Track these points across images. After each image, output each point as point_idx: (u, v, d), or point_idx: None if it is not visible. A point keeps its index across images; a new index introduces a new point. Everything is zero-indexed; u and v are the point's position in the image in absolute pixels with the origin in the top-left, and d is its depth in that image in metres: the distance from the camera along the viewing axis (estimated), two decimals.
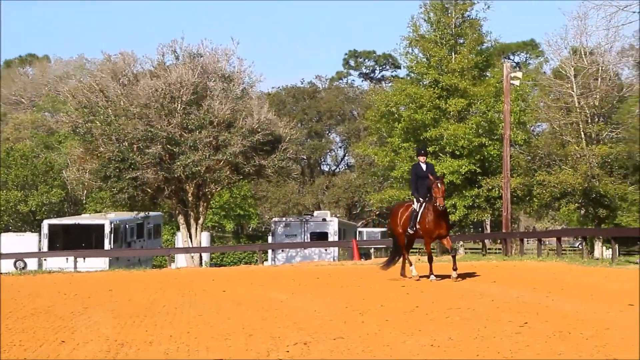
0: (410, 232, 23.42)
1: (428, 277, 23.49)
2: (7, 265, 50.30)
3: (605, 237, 49.01)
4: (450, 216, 60.61)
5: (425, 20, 63.66)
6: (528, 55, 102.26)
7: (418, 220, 22.88)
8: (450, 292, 20.24)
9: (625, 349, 11.01)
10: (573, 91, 58.98)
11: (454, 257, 23.74)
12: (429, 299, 18.15)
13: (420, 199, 23.05)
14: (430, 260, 24.26)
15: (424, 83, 62.98)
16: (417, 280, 23.31)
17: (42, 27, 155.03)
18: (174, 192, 53.82)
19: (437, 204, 22.24)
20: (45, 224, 54.60)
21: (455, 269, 23.23)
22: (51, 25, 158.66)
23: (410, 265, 24.19)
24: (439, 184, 22.19)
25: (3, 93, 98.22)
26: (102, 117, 52.56)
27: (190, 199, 53.63)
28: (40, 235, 54.50)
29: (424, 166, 23.34)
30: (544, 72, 72.91)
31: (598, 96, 58.86)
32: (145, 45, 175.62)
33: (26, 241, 55.38)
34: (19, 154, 77.23)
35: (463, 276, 23.92)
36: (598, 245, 55.00)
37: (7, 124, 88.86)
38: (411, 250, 26.62)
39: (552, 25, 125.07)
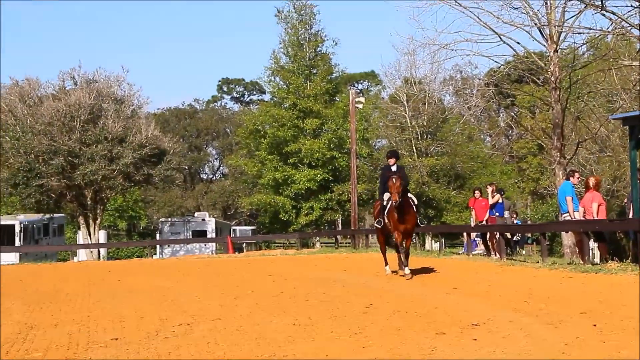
0: (377, 225, 20.18)
1: (396, 272, 19.98)
2: None
3: (434, 233, 49.78)
4: (308, 217, 62.15)
5: (284, 53, 63.88)
6: (369, 83, 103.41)
7: (385, 214, 19.45)
8: (310, 279, 20.28)
9: (450, 323, 11.16)
10: (406, 113, 59.79)
11: (404, 254, 19.25)
12: (291, 286, 18.13)
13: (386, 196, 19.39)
14: (397, 253, 19.82)
15: (285, 106, 63.08)
16: (389, 275, 19.91)
17: None
18: (75, 196, 52.75)
19: (391, 199, 18.87)
20: None
21: (405, 266, 19.15)
22: None
23: (385, 264, 20.46)
24: (393, 179, 18.57)
25: None
26: (11, 133, 51.23)
27: (89, 202, 52.64)
28: None
29: (393, 168, 19.49)
30: (383, 98, 73.89)
31: (426, 117, 59.79)
32: (47, 70, 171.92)
33: None
34: None
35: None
36: (428, 239, 55.81)
37: None
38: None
39: (388, 59, 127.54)
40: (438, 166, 59.49)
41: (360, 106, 50.12)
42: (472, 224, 28.52)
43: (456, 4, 32.90)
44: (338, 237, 63.66)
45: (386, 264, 20.46)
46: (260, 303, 14.69)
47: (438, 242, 44.90)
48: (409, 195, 19.83)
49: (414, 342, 9.82)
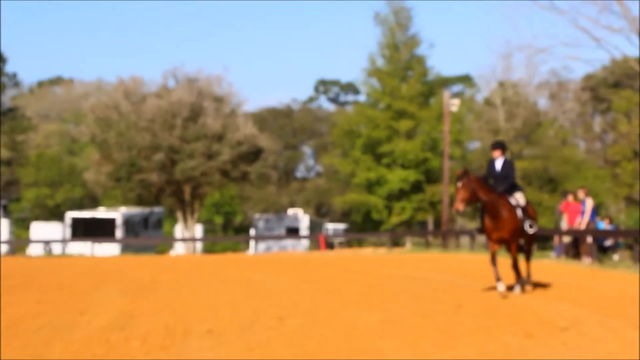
0: (477, 232, 17.48)
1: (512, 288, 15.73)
2: (37, 249, 49.96)
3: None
4: (400, 216, 62.07)
5: (380, 55, 63.78)
6: (464, 86, 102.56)
7: (482, 219, 15.78)
8: (397, 277, 20.23)
9: (539, 324, 11.02)
10: (500, 116, 59.14)
11: (513, 266, 15.71)
12: (381, 283, 18.13)
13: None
14: (512, 265, 15.74)
15: (380, 107, 63.08)
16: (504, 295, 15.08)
17: (66, 53, 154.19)
18: (174, 191, 53.62)
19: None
20: (69, 216, 54.20)
21: (520, 282, 15.73)
22: (74, 51, 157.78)
23: (496, 279, 15.17)
24: (458, 184, 15.23)
25: (36, 108, 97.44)
26: (115, 129, 52.32)
27: (187, 197, 53.45)
28: (64, 225, 54.08)
29: (498, 163, 15.91)
30: (477, 101, 73.16)
31: (520, 121, 59.05)
32: (151, 70, 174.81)
33: (52, 229, 54.95)
34: (48, 158, 76.77)
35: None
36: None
37: (38, 133, 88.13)
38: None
39: (483, 62, 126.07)
40: (531, 169, 58.67)
41: (455, 108, 49.77)
42: (564, 228, 28.11)
43: (553, 7, 32.49)
44: (429, 237, 63.31)
45: (497, 279, 15.18)
46: (350, 299, 14.73)
47: None
48: (517, 194, 15.84)
49: (502, 342, 9.75)
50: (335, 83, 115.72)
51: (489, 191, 15.30)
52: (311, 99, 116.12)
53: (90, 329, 11.53)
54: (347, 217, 77.79)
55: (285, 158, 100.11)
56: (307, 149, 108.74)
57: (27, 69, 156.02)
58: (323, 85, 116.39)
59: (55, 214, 71.86)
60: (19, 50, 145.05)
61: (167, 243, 54.56)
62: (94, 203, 76.01)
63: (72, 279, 20.76)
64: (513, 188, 15.90)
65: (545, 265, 24.95)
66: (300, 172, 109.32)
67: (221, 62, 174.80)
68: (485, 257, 20.04)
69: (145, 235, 56.24)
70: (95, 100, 61.52)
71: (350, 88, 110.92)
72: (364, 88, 67.39)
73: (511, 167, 15.95)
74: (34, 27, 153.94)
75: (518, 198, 15.88)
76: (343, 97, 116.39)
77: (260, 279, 20.19)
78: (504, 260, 15.84)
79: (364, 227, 64.86)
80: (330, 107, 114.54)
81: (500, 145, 16.18)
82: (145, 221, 57.47)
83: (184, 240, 50.40)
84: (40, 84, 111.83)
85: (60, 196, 74.17)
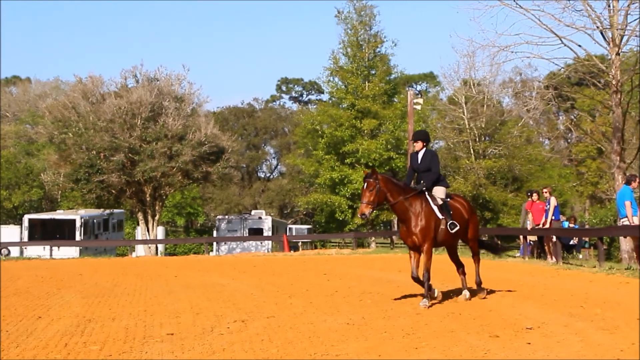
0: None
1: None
2: None
3: (490, 235, 49.43)
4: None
5: (343, 54, 63.85)
6: (428, 84, 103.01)
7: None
8: (364, 279, 20.26)
9: (504, 326, 11.09)
10: (464, 115, 59.41)
11: (416, 280, 14.11)
12: (345, 285, 18.14)
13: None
14: (415, 278, 14.08)
15: (343, 106, 63.10)
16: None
17: (23, 52, 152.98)
18: (134, 193, 53.28)
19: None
20: (26, 218, 53.79)
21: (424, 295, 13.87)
22: (31, 50, 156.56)
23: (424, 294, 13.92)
24: (363, 186, 13.80)
25: None
26: (74, 129, 51.91)
27: (148, 199, 53.13)
28: (21, 227, 53.65)
29: (420, 154, 14.56)
30: (441, 99, 73.50)
31: (484, 119, 59.35)
32: (110, 69, 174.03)
33: (10, 232, 54.52)
34: (4, 159, 76.05)
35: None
36: None
37: None
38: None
39: (447, 61, 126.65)
40: (495, 168, 59.01)
41: (419, 107, 49.93)
42: (529, 227, 28.34)
43: (517, 5, 32.70)
44: (394, 237, 63.48)
45: (424, 295, 13.79)
46: (314, 302, 14.72)
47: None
48: (437, 189, 14.32)
49: (467, 344, 9.77)
50: (297, 82, 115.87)
51: (399, 192, 13.79)
52: (274, 98, 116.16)
53: (48, 335, 11.42)
54: (311, 217, 77.87)
55: (247, 158, 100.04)
56: (269, 149, 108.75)
57: None
58: (285, 84, 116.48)
59: (12, 217, 71.27)
60: None
61: (128, 245, 54.28)
62: (52, 205, 75.44)
63: (30, 283, 20.56)
64: (437, 182, 14.41)
65: (510, 264, 25.14)
66: (263, 173, 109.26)
67: (182, 61, 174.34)
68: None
69: (106, 237, 55.92)
70: (53, 100, 61.16)
71: (313, 87, 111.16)
72: (327, 87, 67.43)
73: (433, 158, 14.51)
74: None
75: (437, 194, 14.24)
76: (306, 96, 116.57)
77: (222, 282, 20.12)
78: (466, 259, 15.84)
79: (327, 227, 64.94)
80: (293, 106, 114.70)
81: (421, 136, 14.65)
82: (105, 223, 57.13)
83: (145, 242, 50.14)
84: None
85: (17, 198, 73.52)
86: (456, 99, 61.10)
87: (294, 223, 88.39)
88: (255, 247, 56.56)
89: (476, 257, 15.32)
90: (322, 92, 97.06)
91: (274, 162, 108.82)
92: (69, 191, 63.11)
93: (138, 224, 56.96)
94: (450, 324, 11.57)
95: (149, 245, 50.51)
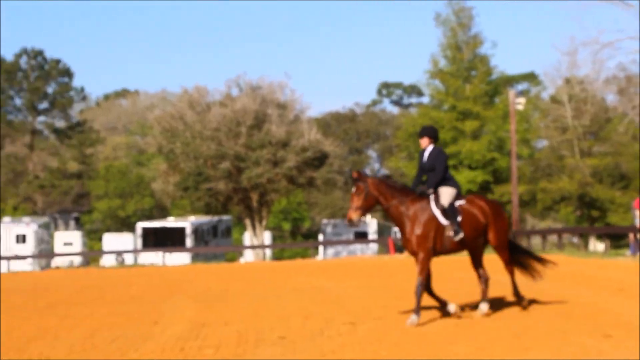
0: None
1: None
2: (110, 259, 50.68)
3: (597, 234, 48.50)
4: None
5: (443, 56, 63.38)
6: (529, 84, 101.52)
7: None
8: (466, 281, 20.02)
9: (615, 326, 10.86)
10: (567, 114, 58.43)
11: (421, 292, 12.32)
12: (452, 287, 17.97)
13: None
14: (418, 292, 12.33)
15: (444, 108, 62.67)
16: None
17: (132, 66, 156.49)
18: (241, 199, 53.96)
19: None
20: (139, 226, 54.86)
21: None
22: (139, 63, 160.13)
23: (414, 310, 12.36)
24: (352, 190, 12.74)
25: (103, 120, 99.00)
26: (181, 139, 52.84)
27: (254, 205, 53.73)
28: (135, 235, 54.81)
29: (425, 153, 13.27)
30: (543, 98, 72.28)
31: (588, 117, 58.25)
32: (215, 79, 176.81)
33: (124, 240, 55.69)
34: (116, 169, 77.91)
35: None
36: (592, 241, 54.31)
37: (106, 145, 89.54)
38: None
39: (548, 60, 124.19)
40: (601, 166, 57.79)
41: (521, 107, 49.25)
42: (638, 225, 27.69)
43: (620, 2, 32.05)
44: None
45: (414, 310, 12.20)
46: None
47: (603, 243, 43.62)
48: (443, 190, 12.86)
49: (578, 345, 9.60)
50: (398, 85, 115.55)
51: (393, 195, 12.60)
52: (374, 102, 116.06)
53: (164, 339, 11.66)
54: None
55: (350, 162, 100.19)
56: (372, 153, 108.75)
57: (94, 83, 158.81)
58: (386, 88, 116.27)
59: (126, 225, 72.90)
60: (85, 65, 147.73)
61: (237, 251, 54.90)
62: (163, 213, 76.93)
63: (145, 290, 21.01)
64: (442, 183, 12.96)
65: (620, 263, 24.57)
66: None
67: (283, 68, 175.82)
68: (559, 257, 19.78)
69: (215, 243, 56.69)
70: (161, 111, 62.36)
71: (414, 90, 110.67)
72: (427, 90, 67.06)
73: (439, 156, 13.10)
74: (99, 41, 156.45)
75: (442, 196, 12.79)
76: (406, 100, 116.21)
77: (330, 285, 20.19)
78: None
79: None
80: (393, 109, 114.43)
81: (427, 132, 13.32)
82: (214, 230, 57.95)
83: (252, 247, 50.67)
84: (107, 97, 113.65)
85: (130, 207, 75.16)
86: (559, 98, 60.12)
87: None
88: (361, 250, 56.55)
89: (508, 267, 13.42)
90: (423, 95, 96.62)
91: (377, 165, 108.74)
92: (179, 199, 64.26)
93: (245, 230, 57.61)
94: (560, 324, 11.39)
95: (257, 250, 51.05)
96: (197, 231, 54.44)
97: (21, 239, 53.99)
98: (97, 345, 11.44)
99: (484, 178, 59.72)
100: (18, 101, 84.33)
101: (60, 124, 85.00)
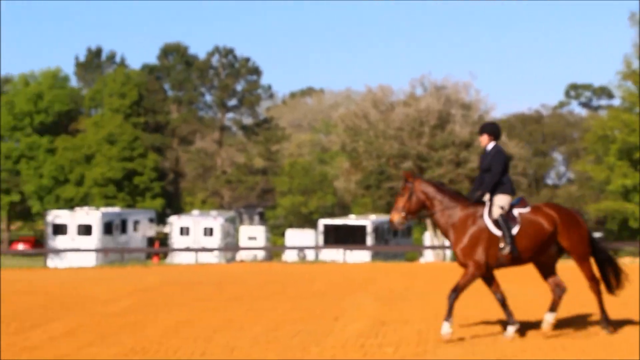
0: None
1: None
2: (292, 255, 51.66)
3: None
4: None
5: (637, 57, 61.21)
6: None
7: None
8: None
9: None
10: None
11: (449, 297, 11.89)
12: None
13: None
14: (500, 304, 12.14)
15: (636, 111, 60.60)
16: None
17: (318, 64, 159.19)
18: None
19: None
20: (321, 223, 55.63)
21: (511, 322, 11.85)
22: (324, 62, 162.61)
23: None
24: (400, 190, 12.35)
25: (289, 118, 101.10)
26: (364, 138, 53.35)
27: None
28: (316, 232, 55.65)
29: (486, 153, 12.22)
30: None
31: None
32: (399, 79, 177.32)
33: (306, 236, 56.62)
34: (300, 166, 79.31)
35: None
36: None
37: (291, 143, 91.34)
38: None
39: None
40: None
41: None
42: None
43: None
44: None
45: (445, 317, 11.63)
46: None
47: None
48: (498, 199, 11.81)
49: None
50: (587, 87, 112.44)
51: (442, 200, 11.77)
52: (562, 104, 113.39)
53: (345, 335, 11.86)
54: (602, 225, 75.32)
55: (534, 164, 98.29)
56: (557, 156, 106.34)
57: (281, 81, 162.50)
58: (574, 90, 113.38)
59: (308, 221, 74.16)
60: (272, 63, 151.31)
61: (416, 250, 54.86)
62: (344, 211, 77.80)
63: (326, 286, 21.35)
64: (497, 187, 11.85)
65: None
66: (550, 179, 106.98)
67: (468, 68, 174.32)
68: None
69: (395, 242, 56.86)
70: (345, 110, 63.13)
71: (604, 92, 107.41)
72: (618, 92, 64.97)
73: (496, 156, 11.88)
74: (286, 40, 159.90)
75: (495, 205, 11.75)
76: (595, 102, 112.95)
77: (510, 288, 19.87)
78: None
79: (620, 235, 62.54)
80: (582, 112, 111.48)
81: (486, 129, 12.21)
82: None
83: (433, 247, 50.55)
84: (293, 95, 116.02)
85: (312, 204, 76.33)
86: None
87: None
88: None
89: (592, 283, 12.06)
90: (613, 97, 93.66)
91: (562, 168, 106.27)
92: (360, 197, 64.84)
93: (426, 230, 57.53)
94: None
95: (437, 250, 50.86)
96: (378, 229, 54.75)
97: (209, 231, 56.00)
98: (279, 338, 11.79)
99: None
100: (208, 98, 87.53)
101: (248, 120, 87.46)
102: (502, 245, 11.44)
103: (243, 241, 58.73)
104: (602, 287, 12.14)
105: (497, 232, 11.46)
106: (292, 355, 10.58)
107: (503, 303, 11.85)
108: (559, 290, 11.94)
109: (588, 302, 13.41)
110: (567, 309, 13.59)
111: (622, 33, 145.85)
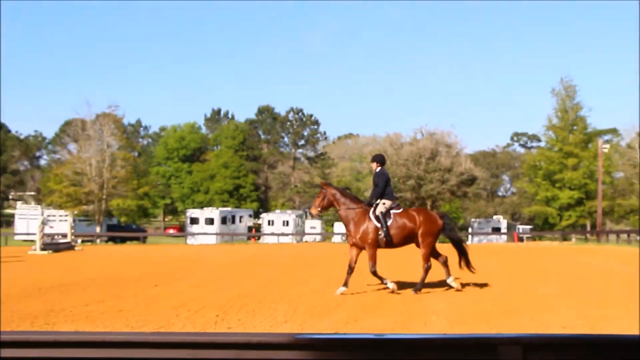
0: None
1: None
2: (337, 238, 48.96)
3: None
4: (567, 221, 59.64)
5: (555, 116, 61.52)
6: (612, 135, 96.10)
7: None
8: (589, 266, 18.15)
9: None
10: (637, 155, 55.87)
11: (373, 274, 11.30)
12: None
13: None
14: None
15: (555, 149, 60.95)
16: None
17: (356, 117, 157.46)
18: (420, 205, 53.85)
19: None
20: None
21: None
22: (360, 116, 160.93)
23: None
24: (319, 193, 11.63)
25: (337, 152, 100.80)
26: (384, 165, 54.40)
27: (429, 208, 54.60)
28: None
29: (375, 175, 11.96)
30: (621, 145, 68.40)
31: None
32: (406, 127, 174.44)
33: None
34: (344, 183, 79.71)
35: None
36: None
37: (337, 168, 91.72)
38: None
39: (628, 116, 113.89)
40: None
41: (606, 150, 47.70)
42: None
43: None
44: (587, 235, 59.84)
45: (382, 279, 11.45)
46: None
47: None
48: (380, 201, 11.47)
49: None
50: (524, 134, 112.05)
51: (344, 202, 11.35)
52: (508, 145, 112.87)
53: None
54: (532, 221, 75.82)
55: (491, 183, 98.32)
56: (505, 177, 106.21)
57: (332, 128, 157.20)
58: (516, 136, 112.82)
59: None
60: (327, 117, 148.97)
61: None
62: None
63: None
64: (382, 197, 11.51)
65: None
66: (500, 192, 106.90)
67: (451, 120, 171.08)
68: (613, 248, 18.92)
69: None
70: (372, 148, 63.47)
71: (535, 137, 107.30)
72: (544, 137, 65.64)
73: (380, 176, 11.62)
74: (336, 102, 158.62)
75: (380, 206, 11.38)
76: (529, 143, 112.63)
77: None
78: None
79: (542, 228, 63.34)
80: (521, 150, 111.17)
81: (375, 159, 12.01)
82: None
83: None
84: (339, 138, 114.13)
85: None
86: (632, 145, 57.50)
87: (521, 224, 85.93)
88: (495, 239, 56.04)
89: (425, 265, 11.53)
90: (541, 141, 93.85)
91: (508, 185, 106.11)
92: None
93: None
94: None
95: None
96: None
97: (286, 223, 56.67)
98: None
99: (579, 196, 58.21)
100: (286, 139, 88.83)
101: (311, 154, 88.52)
102: (380, 233, 11.16)
103: (307, 229, 58.67)
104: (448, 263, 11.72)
105: (377, 224, 11.21)
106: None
107: (375, 274, 11.30)
108: (443, 261, 11.75)
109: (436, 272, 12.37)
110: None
111: (549, 100, 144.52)
